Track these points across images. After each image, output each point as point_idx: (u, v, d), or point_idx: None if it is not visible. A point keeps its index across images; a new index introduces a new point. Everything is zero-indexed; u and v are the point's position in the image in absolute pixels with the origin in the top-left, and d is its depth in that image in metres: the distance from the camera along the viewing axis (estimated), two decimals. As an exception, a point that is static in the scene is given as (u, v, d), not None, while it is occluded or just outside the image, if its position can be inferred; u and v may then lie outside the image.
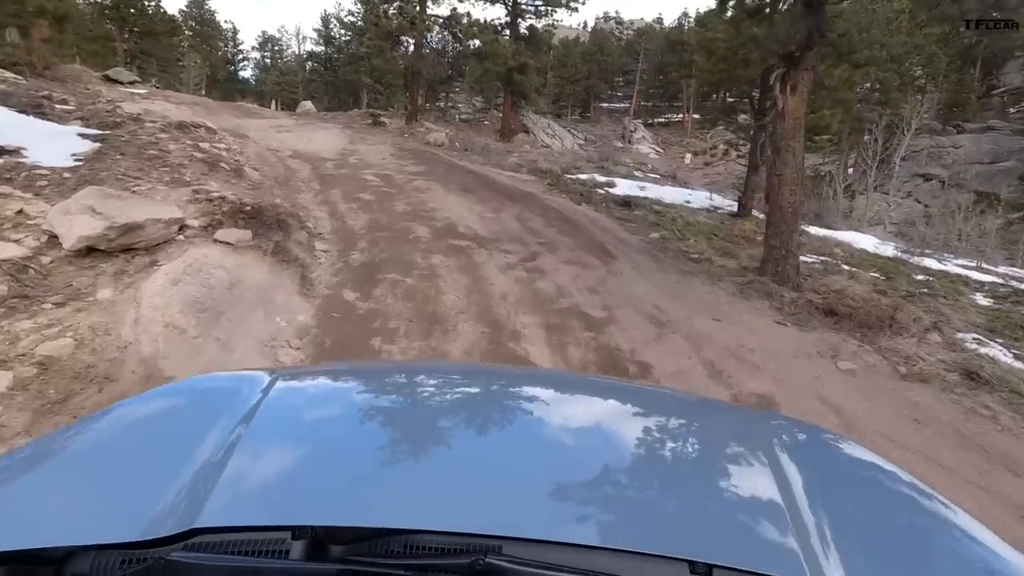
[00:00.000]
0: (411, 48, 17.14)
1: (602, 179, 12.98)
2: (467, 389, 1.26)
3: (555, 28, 22.79)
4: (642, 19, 78.21)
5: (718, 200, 12.37)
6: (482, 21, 17.34)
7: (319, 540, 0.64)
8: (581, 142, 50.77)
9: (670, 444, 1.03)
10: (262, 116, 17.39)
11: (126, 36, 33.51)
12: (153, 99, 16.53)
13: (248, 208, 7.28)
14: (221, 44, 53.90)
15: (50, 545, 0.64)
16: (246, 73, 56.08)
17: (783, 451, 0.97)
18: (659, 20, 75.79)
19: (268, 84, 46.94)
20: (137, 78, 19.53)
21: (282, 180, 9.80)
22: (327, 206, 8.63)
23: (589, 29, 73.33)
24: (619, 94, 65.05)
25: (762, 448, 0.98)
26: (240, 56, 55.22)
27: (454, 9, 16.76)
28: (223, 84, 51.34)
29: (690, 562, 0.62)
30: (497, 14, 17.84)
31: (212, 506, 0.67)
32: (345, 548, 0.65)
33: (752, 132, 10.29)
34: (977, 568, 0.78)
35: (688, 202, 11.56)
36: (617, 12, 77.43)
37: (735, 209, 11.16)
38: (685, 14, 72.55)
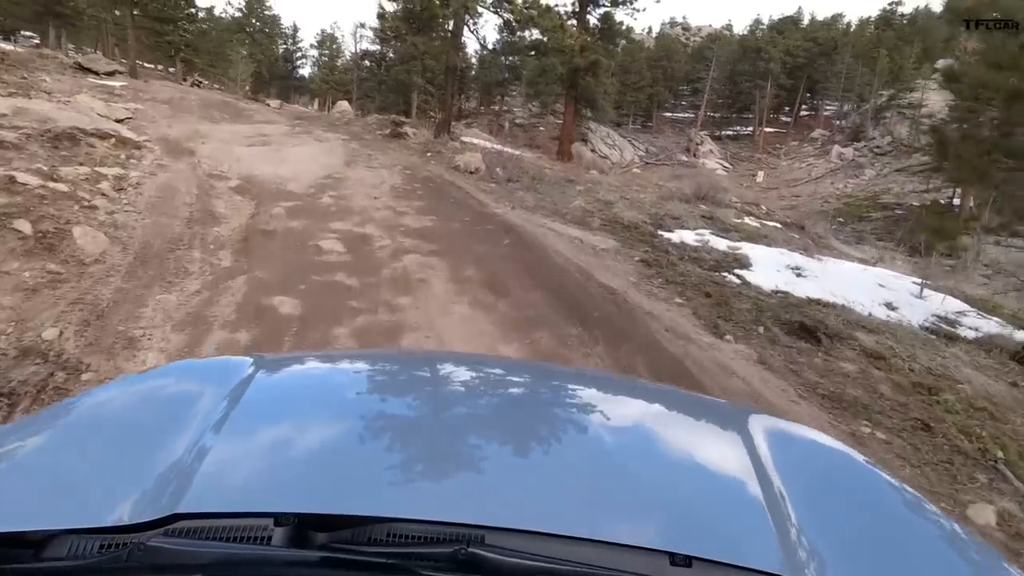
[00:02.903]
0: (449, 36, 12.17)
1: (720, 243, 7.68)
2: (451, 378, 1.16)
3: (635, 18, 17.16)
4: (710, 25, 70.93)
5: (935, 298, 6.79)
6: (542, 4, 12.27)
7: (302, 527, 0.60)
8: (642, 153, 44.82)
9: (651, 435, 0.99)
10: (250, 120, 12.81)
11: (175, 30, 30.04)
12: (106, 95, 12.20)
13: None
14: (280, 42, 50.85)
15: (27, 529, 0.60)
16: (305, 71, 52.81)
17: (761, 444, 0.92)
18: (728, 27, 68.47)
19: (317, 82, 43.21)
20: (119, 68, 15.37)
21: (160, 249, 5.01)
22: (181, 337, 3.75)
23: (654, 34, 66.74)
24: (683, 103, 58.54)
25: (741, 441, 0.93)
26: (298, 54, 51.95)
27: (506, -16, 11.67)
28: (278, 81, 48.21)
29: (670, 554, 0.60)
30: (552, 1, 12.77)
31: (193, 492, 0.63)
32: (328, 536, 0.61)
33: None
34: (952, 561, 0.76)
35: (892, 307, 6.15)
36: (684, 18, 70.13)
37: (1014, 335, 5.61)
38: (758, 21, 65.13)
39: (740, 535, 0.69)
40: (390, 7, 11.94)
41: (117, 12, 20.68)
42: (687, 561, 0.59)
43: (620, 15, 16.59)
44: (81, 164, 6.48)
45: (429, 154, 11.04)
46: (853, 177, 40.81)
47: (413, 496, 0.67)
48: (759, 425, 1.02)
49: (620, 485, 0.76)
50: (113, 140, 7.67)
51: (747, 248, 7.62)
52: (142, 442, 0.76)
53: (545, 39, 13.02)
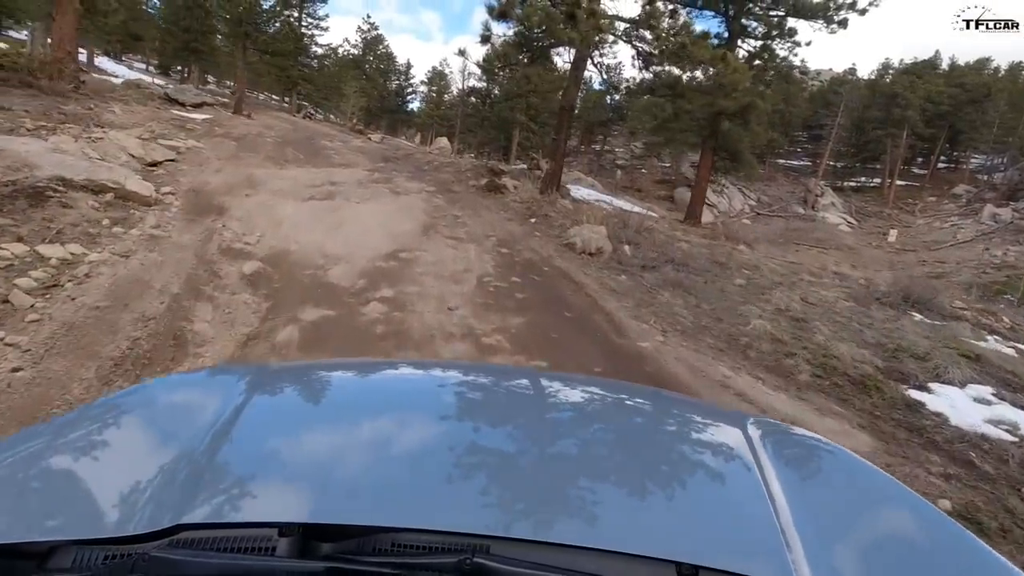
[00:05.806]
0: (566, 67, 9.36)
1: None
2: (455, 387, 1.09)
3: (795, 54, 13.44)
4: (830, 69, 64.16)
5: None
6: (694, 30, 9.20)
7: (306, 537, 0.58)
8: (753, 203, 39.85)
9: (655, 444, 0.93)
10: (325, 162, 10.60)
11: (293, 65, 30.09)
12: (170, 129, 10.48)
13: None
14: (393, 77, 51.46)
15: (32, 540, 0.57)
16: (414, 105, 53.17)
17: (762, 450, 0.87)
18: (852, 71, 61.47)
19: (423, 117, 42.71)
20: (208, 99, 14.00)
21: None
22: None
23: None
24: (798, 150, 52.60)
25: (742, 447, 0.89)
26: (409, 89, 52.32)
27: (649, 3, 8.58)
28: (388, 115, 48.50)
29: (677, 563, 0.57)
30: (702, 28, 9.66)
31: (197, 502, 0.61)
32: (332, 546, 0.58)
33: None
34: (956, 565, 0.71)
35: None
36: (803, 61, 63.80)
37: None
38: (887, 64, 57.82)
39: (746, 544, 0.64)
40: (499, 29, 9.31)
41: (243, 48, 19.84)
42: (693, 571, 0.56)
43: (778, 50, 13.04)
44: (19, 240, 4.14)
45: (534, 219, 8.14)
46: (1014, 243, 33.39)
47: (418, 506, 0.63)
48: (756, 429, 0.96)
49: (625, 494, 0.72)
50: (110, 195, 5.41)
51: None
52: (146, 453, 0.72)
53: (685, 75, 9.87)
